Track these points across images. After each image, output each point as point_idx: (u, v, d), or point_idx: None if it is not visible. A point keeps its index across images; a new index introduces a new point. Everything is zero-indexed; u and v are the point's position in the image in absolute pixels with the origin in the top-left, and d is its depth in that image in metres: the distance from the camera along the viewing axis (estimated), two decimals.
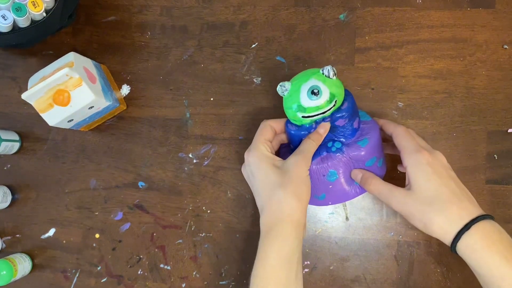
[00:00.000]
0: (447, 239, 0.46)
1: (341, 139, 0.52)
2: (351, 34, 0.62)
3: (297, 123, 0.53)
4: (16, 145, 0.63)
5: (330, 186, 0.53)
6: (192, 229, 0.62)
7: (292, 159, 0.50)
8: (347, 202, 0.61)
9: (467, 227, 0.45)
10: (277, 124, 0.55)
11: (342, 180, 0.53)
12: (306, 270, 0.61)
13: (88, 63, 0.59)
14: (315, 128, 0.52)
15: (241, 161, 0.62)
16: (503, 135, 0.60)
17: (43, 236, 0.64)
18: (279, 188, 0.48)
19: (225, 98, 0.63)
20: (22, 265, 0.61)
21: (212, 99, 0.63)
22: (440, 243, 0.59)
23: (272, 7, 0.63)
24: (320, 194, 0.54)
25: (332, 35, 0.62)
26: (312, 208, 0.61)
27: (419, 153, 0.48)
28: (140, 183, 0.63)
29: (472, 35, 0.61)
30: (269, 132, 0.54)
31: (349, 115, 0.51)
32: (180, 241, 0.62)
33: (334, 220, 0.61)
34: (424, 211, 0.46)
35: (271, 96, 0.62)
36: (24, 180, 0.64)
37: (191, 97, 0.63)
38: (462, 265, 0.59)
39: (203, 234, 0.62)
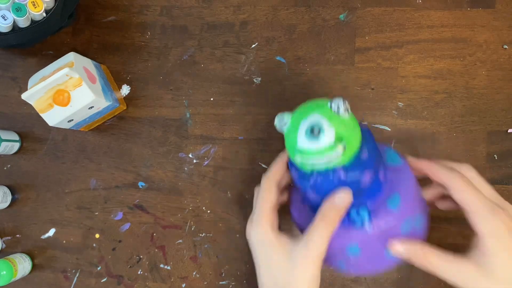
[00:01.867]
0: None
1: (366, 203, 0.40)
2: (351, 34, 0.62)
3: (299, 167, 0.42)
4: (16, 145, 0.63)
5: (350, 258, 0.43)
6: (192, 229, 0.62)
7: (300, 253, 0.40)
8: None
9: None
10: (281, 172, 0.45)
11: (366, 255, 0.42)
12: None
13: (88, 63, 0.59)
14: (315, 181, 0.39)
15: (241, 161, 0.62)
16: (503, 135, 0.60)
17: (43, 236, 0.64)
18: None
19: (225, 98, 0.63)
20: (22, 265, 0.61)
21: (212, 99, 0.63)
22: (440, 243, 0.59)
23: (272, 7, 0.63)
24: (338, 263, 0.44)
25: (332, 35, 0.62)
26: None
27: (496, 216, 0.38)
28: (140, 183, 0.63)
29: (472, 35, 0.61)
30: (273, 194, 0.44)
31: (373, 166, 0.39)
32: (180, 241, 0.62)
33: None
34: None
35: (271, 96, 0.62)
36: (24, 180, 0.64)
37: (191, 97, 0.63)
38: None
39: (203, 234, 0.62)
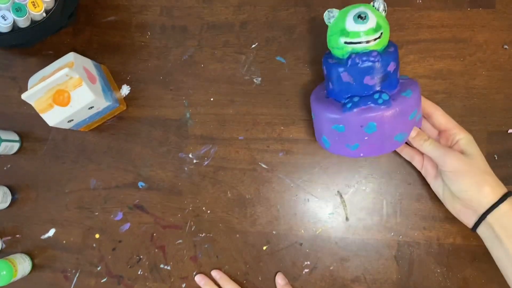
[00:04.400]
0: (490, 200, 0.50)
1: (386, 91, 0.50)
2: None
3: (337, 54, 0.50)
4: (16, 145, 0.63)
5: (366, 138, 0.50)
6: (192, 229, 0.62)
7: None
8: (347, 202, 0.61)
9: (508, 193, 0.50)
10: None
11: (380, 133, 0.50)
12: (306, 270, 0.61)
13: (88, 63, 0.59)
14: (353, 60, 0.48)
15: (241, 161, 0.62)
16: (503, 135, 0.60)
17: (43, 236, 0.64)
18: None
19: (225, 98, 0.63)
20: (22, 265, 0.61)
21: (212, 99, 0.63)
22: (439, 243, 0.59)
23: (272, 7, 0.63)
24: (353, 144, 0.51)
25: None
26: (312, 208, 0.61)
27: (468, 133, 0.53)
28: (140, 183, 0.63)
29: (472, 35, 0.61)
30: None
31: (396, 60, 0.50)
32: (180, 241, 0.62)
33: (334, 220, 0.61)
34: (482, 175, 0.51)
35: (271, 96, 0.62)
36: (24, 180, 0.64)
37: (191, 97, 0.63)
38: (462, 265, 0.59)
39: (203, 234, 0.62)
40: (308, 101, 0.62)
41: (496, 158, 0.59)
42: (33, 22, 0.57)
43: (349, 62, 0.49)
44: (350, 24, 0.48)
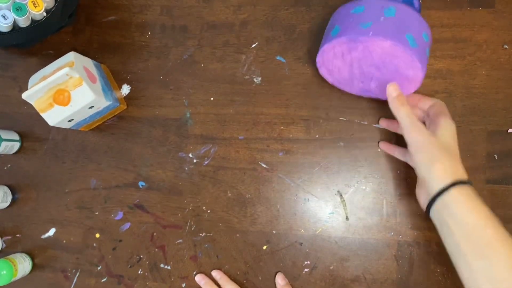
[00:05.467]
0: (441, 181, 0.49)
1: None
2: None
3: None
4: (16, 145, 0.63)
5: (382, 19, 0.50)
6: (192, 229, 0.62)
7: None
8: (347, 201, 0.61)
9: (465, 181, 0.49)
10: None
11: (397, 20, 0.50)
12: (306, 270, 0.61)
13: (88, 62, 0.59)
14: None
15: (241, 160, 0.62)
16: (503, 135, 0.60)
17: (43, 236, 0.64)
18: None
19: (225, 98, 0.63)
20: (22, 265, 0.61)
21: (212, 99, 0.63)
22: (439, 243, 0.59)
23: (272, 7, 0.63)
24: (367, 22, 0.51)
25: None
26: (312, 207, 0.61)
27: (454, 124, 0.53)
28: (140, 183, 0.63)
29: (472, 35, 0.61)
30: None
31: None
32: (180, 241, 0.62)
33: (334, 220, 0.61)
34: (439, 151, 0.50)
35: (271, 96, 0.62)
36: (24, 180, 0.64)
37: (191, 97, 0.63)
38: None
39: (203, 234, 0.62)
40: (308, 100, 0.62)
41: (496, 158, 0.59)
42: (33, 21, 0.57)
43: None
44: None
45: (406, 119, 0.51)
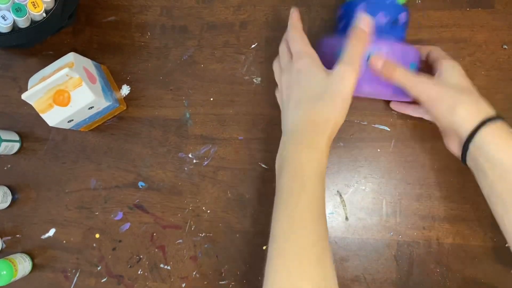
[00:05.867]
0: (470, 125, 0.45)
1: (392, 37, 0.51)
2: None
3: None
4: (16, 145, 0.63)
5: (364, 67, 0.50)
6: (192, 229, 0.62)
7: (339, 67, 0.47)
8: (347, 201, 0.61)
9: (493, 118, 0.46)
10: (301, 23, 0.53)
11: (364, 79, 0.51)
12: None
13: (88, 63, 0.59)
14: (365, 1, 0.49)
15: (241, 161, 0.62)
16: None
17: (43, 236, 0.64)
18: (322, 99, 0.46)
19: (225, 98, 0.63)
20: (22, 265, 0.61)
21: (212, 99, 0.63)
22: (439, 243, 0.59)
23: (272, 7, 0.63)
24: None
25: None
26: None
27: (457, 62, 0.50)
28: (140, 183, 0.63)
29: (471, 35, 0.61)
30: (305, 35, 0.51)
31: (407, 13, 0.51)
32: (180, 241, 0.62)
33: (334, 220, 0.61)
34: (456, 93, 0.47)
35: (271, 96, 0.62)
36: (24, 180, 0.64)
37: (191, 97, 0.63)
38: (462, 265, 0.59)
39: (203, 234, 0.62)
40: None
41: None
42: (33, 22, 0.57)
43: (360, 6, 0.51)
44: None
45: (404, 78, 0.48)
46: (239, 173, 0.62)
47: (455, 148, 0.49)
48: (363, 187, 0.61)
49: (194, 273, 0.62)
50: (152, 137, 0.63)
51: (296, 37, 0.51)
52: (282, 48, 0.54)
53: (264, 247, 0.61)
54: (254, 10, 0.63)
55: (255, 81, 0.63)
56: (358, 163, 0.61)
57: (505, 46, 0.60)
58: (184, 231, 0.62)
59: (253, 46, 0.63)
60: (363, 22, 0.48)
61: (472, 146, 0.46)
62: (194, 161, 0.63)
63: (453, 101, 0.46)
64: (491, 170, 0.44)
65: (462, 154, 0.47)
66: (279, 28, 0.63)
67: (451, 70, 0.49)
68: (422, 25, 0.61)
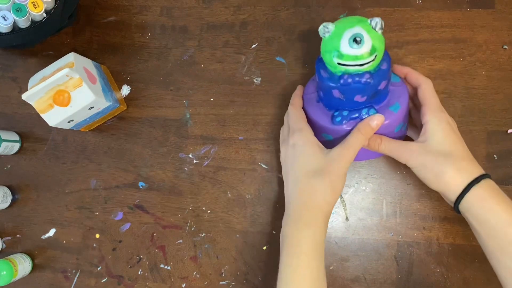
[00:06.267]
0: (456, 191, 0.48)
1: (374, 105, 0.50)
2: None
3: (331, 69, 0.49)
4: (16, 146, 0.63)
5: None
6: (192, 229, 0.62)
7: (337, 151, 0.50)
8: (347, 202, 0.61)
9: (477, 180, 0.47)
10: (301, 101, 0.56)
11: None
12: None
13: (88, 63, 0.59)
14: (346, 80, 0.48)
15: (241, 161, 0.62)
16: (503, 135, 0.60)
17: (43, 236, 0.64)
18: (318, 177, 0.49)
19: (225, 99, 0.63)
20: (22, 265, 0.61)
21: (212, 99, 0.63)
22: (439, 243, 0.59)
23: (272, 7, 0.63)
24: (328, 135, 0.53)
25: None
26: None
27: (442, 113, 0.51)
28: (140, 183, 0.63)
29: (471, 35, 0.61)
30: (304, 114, 0.54)
31: (388, 77, 0.50)
32: (180, 241, 0.62)
33: (334, 220, 0.61)
34: (438, 161, 0.48)
35: (271, 97, 0.63)
36: (24, 180, 0.64)
37: (191, 98, 0.63)
38: (462, 265, 0.59)
39: (203, 234, 0.62)
40: None
41: (495, 158, 0.60)
42: (33, 22, 0.57)
43: (341, 81, 0.49)
44: (345, 47, 0.47)
45: (390, 149, 0.51)
46: (239, 173, 0.62)
47: (448, 202, 0.51)
48: (364, 187, 0.61)
49: (194, 273, 0.62)
50: (152, 137, 0.63)
51: (292, 114, 0.55)
52: (284, 121, 0.58)
53: (264, 248, 0.61)
54: (254, 10, 0.63)
55: (255, 81, 0.63)
56: (358, 164, 0.61)
57: (505, 47, 0.60)
58: (184, 231, 0.62)
59: (253, 46, 0.63)
60: (376, 121, 0.50)
61: (460, 208, 0.48)
62: (194, 161, 0.63)
63: (438, 169, 0.48)
64: (481, 229, 0.47)
65: (455, 209, 0.50)
66: (279, 28, 0.63)
67: (435, 130, 0.50)
68: (422, 25, 0.61)
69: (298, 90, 0.58)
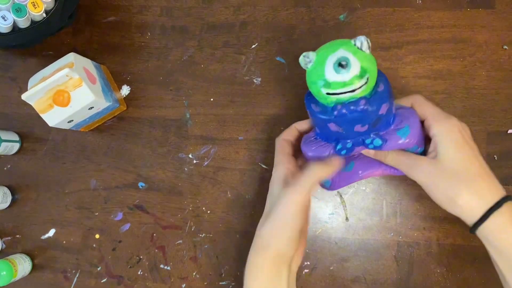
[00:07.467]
0: (473, 217, 0.43)
1: (381, 132, 0.45)
2: (351, 34, 0.62)
3: (322, 101, 0.45)
4: (16, 146, 0.63)
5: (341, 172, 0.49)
6: (192, 229, 0.62)
7: (286, 190, 0.45)
8: (347, 202, 0.61)
9: (498, 204, 0.42)
10: (300, 126, 0.53)
11: (358, 167, 0.51)
12: (306, 270, 0.61)
13: (88, 63, 0.59)
14: (340, 111, 0.43)
15: (241, 161, 0.62)
16: (503, 135, 0.60)
17: (43, 237, 0.64)
18: (267, 220, 0.46)
19: (225, 99, 0.63)
20: (22, 265, 0.61)
21: (212, 99, 0.63)
22: (439, 244, 0.59)
23: (272, 7, 0.63)
24: (348, 164, 0.52)
25: (332, 36, 0.62)
26: (312, 208, 0.61)
27: (450, 120, 0.45)
28: (140, 184, 0.63)
29: (472, 35, 0.61)
30: (286, 148, 0.51)
31: (388, 99, 0.43)
32: (180, 241, 0.62)
33: (334, 220, 0.61)
34: (451, 183, 0.43)
35: (271, 97, 0.62)
36: (24, 180, 0.64)
37: (191, 98, 0.63)
38: (462, 265, 0.59)
39: (203, 234, 0.62)
40: None
41: (495, 159, 0.60)
42: (33, 22, 0.57)
43: (335, 113, 0.43)
44: (330, 74, 0.42)
45: (400, 165, 0.47)
46: (239, 173, 0.62)
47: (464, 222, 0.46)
48: (364, 188, 0.61)
49: (194, 273, 0.62)
50: (152, 138, 0.63)
51: (276, 147, 0.52)
52: None
53: None
54: (254, 10, 0.63)
55: (255, 81, 0.63)
56: None
57: (505, 47, 0.60)
58: (184, 231, 0.62)
59: (253, 46, 0.63)
60: (333, 161, 0.46)
61: (477, 233, 0.44)
62: (194, 161, 0.63)
63: (452, 192, 0.43)
64: (500, 260, 0.43)
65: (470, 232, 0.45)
66: (279, 28, 0.63)
67: (446, 143, 0.44)
68: (422, 25, 0.61)
69: (292, 127, 0.54)
